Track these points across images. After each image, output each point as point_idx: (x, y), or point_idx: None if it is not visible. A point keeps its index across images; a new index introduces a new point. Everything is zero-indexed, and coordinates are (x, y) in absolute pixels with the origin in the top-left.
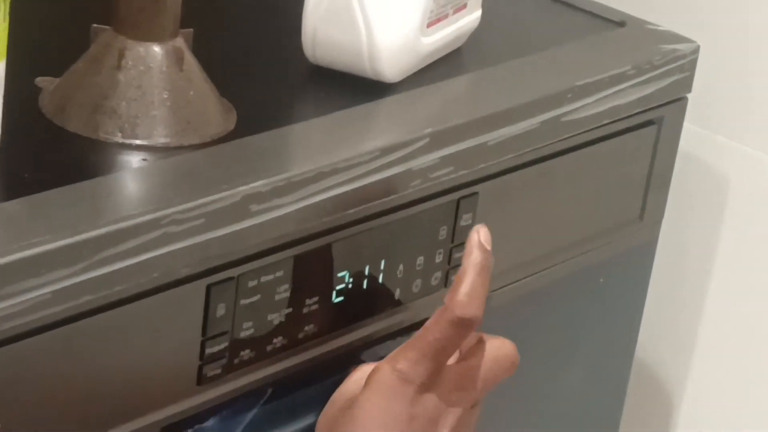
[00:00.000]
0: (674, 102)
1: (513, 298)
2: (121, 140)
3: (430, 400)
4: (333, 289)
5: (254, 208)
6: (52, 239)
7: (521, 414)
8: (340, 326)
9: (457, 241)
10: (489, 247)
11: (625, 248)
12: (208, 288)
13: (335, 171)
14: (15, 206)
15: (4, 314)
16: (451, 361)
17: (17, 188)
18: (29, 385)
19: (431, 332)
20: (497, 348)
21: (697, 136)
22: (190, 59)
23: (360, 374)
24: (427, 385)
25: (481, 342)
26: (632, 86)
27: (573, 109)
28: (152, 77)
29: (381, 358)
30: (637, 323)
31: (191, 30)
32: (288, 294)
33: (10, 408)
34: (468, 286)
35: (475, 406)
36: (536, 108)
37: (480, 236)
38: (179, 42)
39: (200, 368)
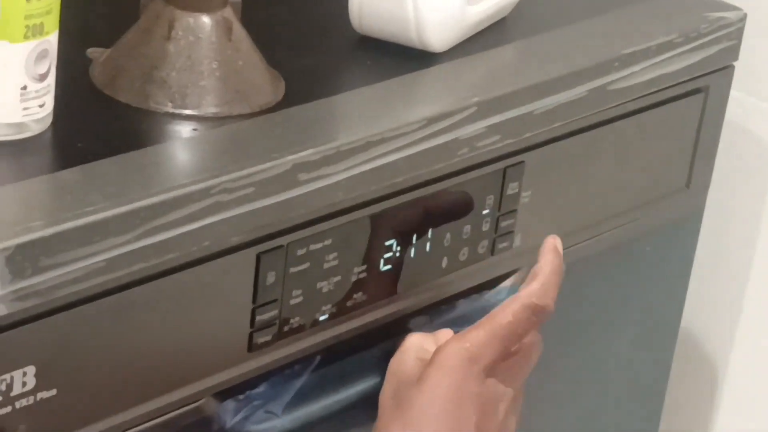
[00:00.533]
0: (721, 70)
1: None
2: (171, 110)
3: (492, 380)
4: (381, 257)
5: (303, 176)
6: (106, 208)
7: (567, 383)
8: (388, 294)
9: (503, 210)
10: (561, 254)
11: (672, 217)
12: (258, 256)
13: (383, 140)
14: (69, 175)
15: (58, 282)
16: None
17: (70, 157)
18: (83, 351)
19: (504, 315)
20: (534, 341)
21: (743, 103)
22: (238, 29)
23: (416, 345)
24: (491, 367)
25: (533, 334)
26: (679, 54)
27: (620, 77)
28: (201, 47)
29: (428, 327)
30: (682, 292)
31: (240, 0)
32: (336, 262)
33: (65, 374)
34: (544, 279)
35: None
36: (583, 76)
37: (556, 242)
38: (228, 12)
39: (251, 336)
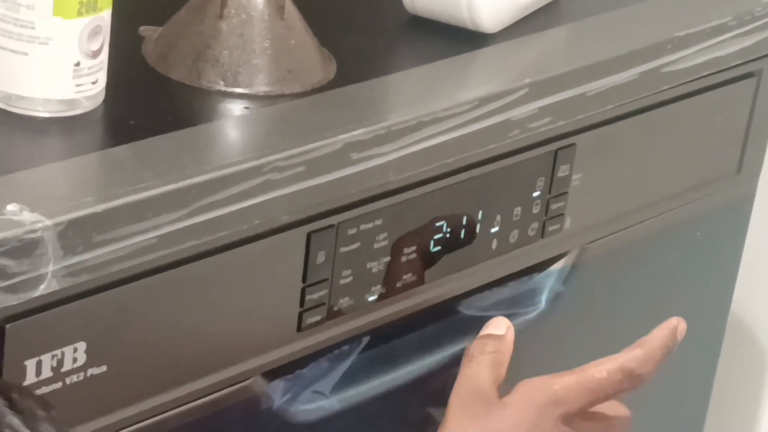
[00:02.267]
0: None
1: (610, 250)
2: (223, 88)
3: (566, 429)
4: (431, 238)
5: (354, 156)
6: (158, 184)
7: None
8: (438, 276)
9: (554, 192)
10: (680, 339)
11: (723, 202)
12: (309, 235)
13: (434, 120)
14: (121, 152)
15: (111, 258)
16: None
17: (123, 134)
18: (133, 328)
19: (599, 370)
20: (620, 414)
21: None
22: (290, 8)
23: (488, 358)
24: (573, 416)
25: (620, 406)
26: (732, 37)
27: (673, 60)
28: (254, 26)
29: (478, 309)
30: (732, 278)
31: None
32: (386, 242)
33: (116, 350)
34: (651, 350)
35: None
36: (635, 59)
37: (678, 326)
38: None
39: (300, 315)
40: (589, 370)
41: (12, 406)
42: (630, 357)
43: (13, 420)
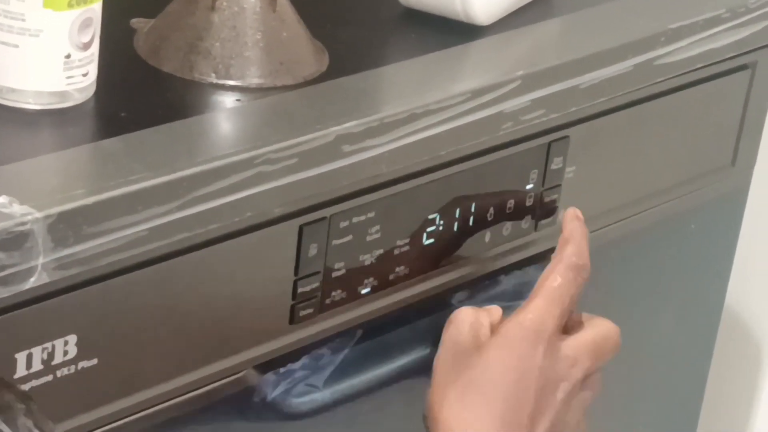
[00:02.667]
0: None
1: (603, 243)
2: (215, 81)
3: (557, 355)
4: (424, 231)
5: (347, 148)
6: (149, 177)
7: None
8: (431, 268)
9: (547, 185)
10: (583, 219)
11: (717, 194)
12: (301, 228)
13: (427, 113)
14: (112, 144)
15: (101, 250)
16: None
17: (114, 127)
18: (124, 321)
19: (551, 279)
20: (604, 329)
21: None
22: (283, 1)
23: (470, 317)
24: (555, 337)
25: (589, 320)
26: (726, 30)
27: (666, 52)
28: (246, 18)
29: (471, 302)
30: (727, 270)
31: None
32: (379, 235)
33: (106, 343)
34: (577, 242)
35: (585, 387)
36: (629, 51)
37: (577, 213)
38: None
39: (292, 308)
40: (546, 284)
41: None
42: (568, 254)
43: None
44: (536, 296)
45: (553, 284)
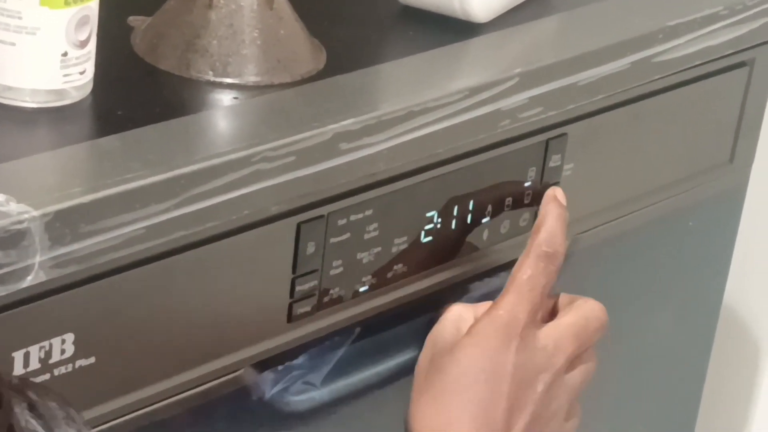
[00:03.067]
0: (766, 43)
1: (602, 240)
2: (212, 78)
3: (533, 347)
4: (421, 229)
5: (344, 146)
6: (146, 175)
7: (608, 357)
8: (429, 266)
9: (545, 182)
10: (564, 203)
11: (715, 192)
12: (299, 226)
13: (425, 110)
14: (109, 142)
15: (98, 248)
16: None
17: (111, 125)
18: (122, 319)
19: (522, 271)
20: (586, 309)
21: None
22: None
23: (455, 315)
24: (528, 329)
25: (570, 302)
26: (724, 27)
27: (664, 49)
28: (243, 16)
29: (469, 300)
30: (725, 268)
31: None
32: (377, 233)
33: (103, 342)
34: (549, 227)
35: (574, 369)
36: (627, 48)
37: (556, 192)
38: None
39: (290, 306)
40: (516, 278)
41: (31, 407)
42: (538, 242)
43: (35, 425)
44: (507, 291)
45: (523, 277)
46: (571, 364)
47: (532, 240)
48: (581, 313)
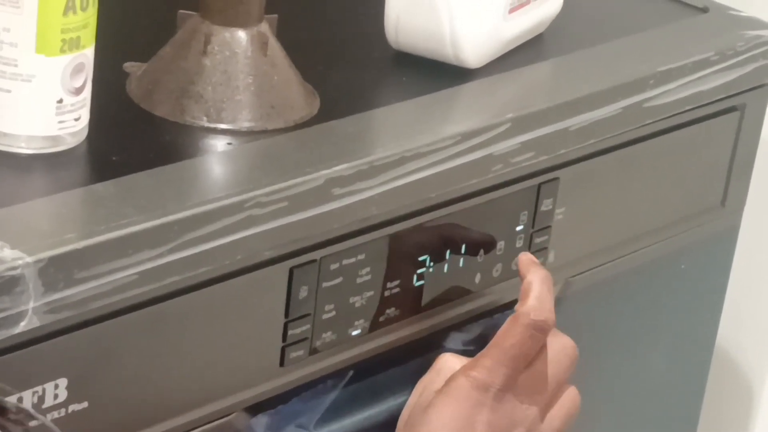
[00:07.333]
0: (757, 88)
1: (593, 284)
2: (206, 124)
3: (508, 404)
4: (414, 272)
5: (337, 191)
6: (140, 221)
7: (601, 398)
8: (421, 310)
9: (537, 227)
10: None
11: (707, 235)
12: (291, 270)
13: (417, 155)
14: (103, 188)
15: (91, 294)
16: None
17: (106, 170)
18: (115, 364)
19: (507, 339)
20: (556, 349)
21: None
22: (274, 45)
23: (444, 366)
24: (504, 392)
25: (543, 346)
26: (715, 72)
27: (655, 95)
28: (237, 62)
29: (462, 343)
30: (718, 311)
31: (276, 16)
32: (369, 277)
33: (97, 387)
34: (537, 293)
35: (551, 410)
36: (618, 94)
37: (529, 257)
38: (264, 27)
39: (283, 350)
40: (499, 342)
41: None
42: (526, 311)
43: None
44: (488, 353)
45: (506, 344)
46: (547, 406)
47: (520, 305)
48: (552, 354)
